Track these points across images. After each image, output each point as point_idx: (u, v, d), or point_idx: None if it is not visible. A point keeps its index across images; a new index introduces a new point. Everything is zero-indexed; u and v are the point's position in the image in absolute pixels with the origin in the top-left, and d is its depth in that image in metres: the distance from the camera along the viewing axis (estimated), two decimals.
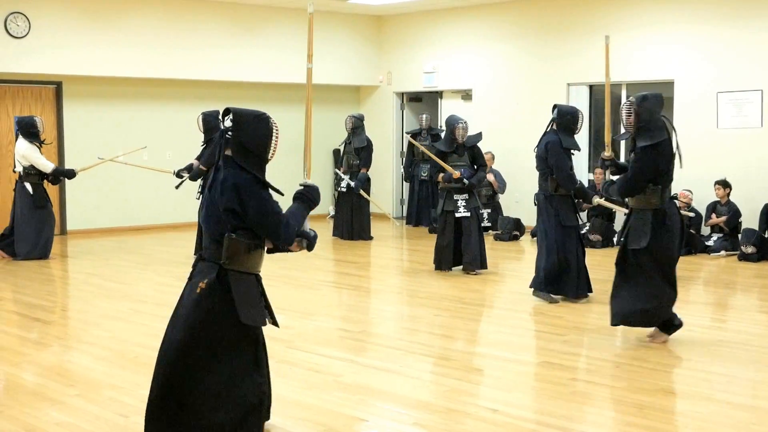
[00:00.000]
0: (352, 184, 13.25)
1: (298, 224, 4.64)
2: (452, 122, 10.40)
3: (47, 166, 11.61)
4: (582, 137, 14.18)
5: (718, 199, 12.08)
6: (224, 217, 4.47)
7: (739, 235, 11.70)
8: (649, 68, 13.30)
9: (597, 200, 9.00)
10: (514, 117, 14.84)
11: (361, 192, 13.29)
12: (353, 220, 13.53)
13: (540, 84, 14.54)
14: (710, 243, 12.00)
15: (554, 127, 8.76)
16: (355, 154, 13.52)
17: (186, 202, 14.16)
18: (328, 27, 16.23)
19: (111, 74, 14.10)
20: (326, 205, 16.69)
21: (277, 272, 10.70)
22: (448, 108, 16.46)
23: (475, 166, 10.43)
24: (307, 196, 4.74)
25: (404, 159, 16.14)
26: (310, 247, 4.75)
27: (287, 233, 4.55)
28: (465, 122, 10.47)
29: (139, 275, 10.50)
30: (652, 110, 6.85)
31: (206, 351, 4.50)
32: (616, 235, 7.83)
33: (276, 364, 6.55)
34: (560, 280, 8.78)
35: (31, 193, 11.53)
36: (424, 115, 15.70)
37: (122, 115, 14.72)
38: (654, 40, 13.23)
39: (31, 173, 11.55)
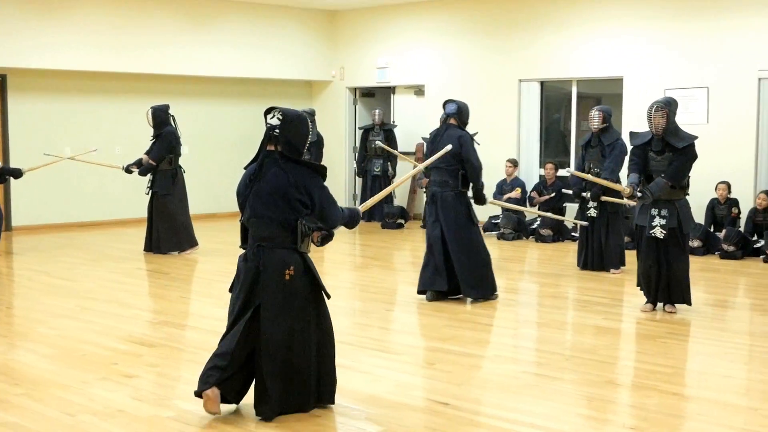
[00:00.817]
0: None
1: (346, 219, 5.32)
2: None
3: None
4: (533, 132, 14.33)
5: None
6: (295, 206, 4.99)
7: None
8: (600, 65, 13.42)
9: (491, 200, 8.91)
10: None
11: None
12: None
13: (492, 80, 14.61)
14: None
15: (452, 121, 8.47)
16: (306, 149, 13.46)
17: (133, 198, 14.05)
18: (280, 21, 16.15)
19: (59, 67, 13.85)
20: None
21: (227, 268, 10.63)
22: (400, 103, 16.49)
23: None
24: (354, 219, 5.45)
25: (357, 154, 16.12)
26: (323, 242, 5.17)
27: (339, 218, 5.23)
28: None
29: (87, 272, 10.36)
30: (675, 112, 7.82)
31: (306, 328, 5.09)
32: (641, 223, 7.92)
33: None
34: (479, 278, 8.45)
35: None
36: (377, 111, 15.70)
37: (70, 110, 14.49)
38: (604, 36, 13.35)
39: None
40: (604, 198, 9.82)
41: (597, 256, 10.25)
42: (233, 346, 5.04)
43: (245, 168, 5.23)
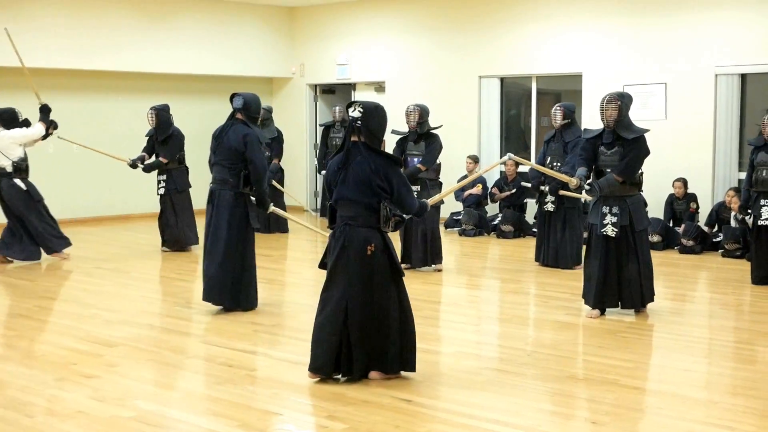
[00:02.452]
0: None
1: (418, 206, 5.87)
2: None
3: (37, 128, 10.67)
4: (493, 128, 14.37)
5: None
6: (376, 191, 5.57)
7: None
8: (559, 61, 13.50)
9: (272, 208, 8.15)
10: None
11: (274, 183, 13.19)
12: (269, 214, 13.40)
13: (452, 76, 14.64)
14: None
15: (239, 116, 7.84)
16: (266, 145, 13.41)
17: (90, 197, 13.90)
18: (239, 18, 16.06)
19: (12, 65, 13.60)
20: None
21: (188, 266, 10.57)
22: (361, 100, 16.43)
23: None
24: (423, 210, 5.97)
25: (317, 151, 16.06)
26: (396, 227, 5.76)
27: (415, 205, 5.78)
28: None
29: (47, 272, 10.23)
30: (629, 106, 7.74)
31: (386, 298, 5.66)
32: (593, 221, 7.68)
33: (188, 359, 6.49)
34: (238, 289, 7.84)
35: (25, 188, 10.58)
36: (338, 107, 15.62)
37: (26, 107, 14.23)
38: (563, 33, 13.43)
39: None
40: (562, 192, 9.85)
41: (553, 252, 10.30)
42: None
43: (332, 158, 5.84)
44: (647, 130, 7.79)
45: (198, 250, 11.17)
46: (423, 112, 9.96)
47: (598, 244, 7.71)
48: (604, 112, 7.68)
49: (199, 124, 15.68)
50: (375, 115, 5.70)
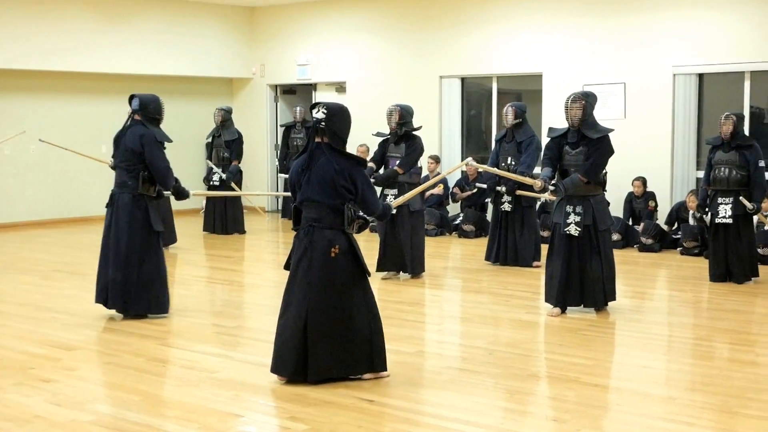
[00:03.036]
0: (224, 176, 13.08)
1: (382, 208, 5.89)
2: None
3: None
4: (454, 128, 14.40)
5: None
6: (341, 192, 5.56)
7: None
8: (519, 61, 13.56)
9: (201, 192, 7.97)
10: None
11: (233, 185, 13.13)
12: (227, 214, 13.36)
13: (413, 76, 14.65)
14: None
15: (137, 117, 7.71)
16: (226, 146, 13.37)
17: (58, 199, 13.73)
18: (199, 18, 15.95)
19: None
20: (199, 199, 16.40)
21: None
22: (322, 100, 16.39)
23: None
24: (386, 212, 5.99)
25: (278, 152, 16.01)
26: (359, 230, 5.77)
27: (379, 207, 5.82)
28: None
29: (3, 275, 10.05)
30: (594, 105, 7.78)
31: (349, 301, 5.65)
32: (557, 220, 7.65)
33: (147, 362, 6.42)
34: (145, 294, 7.66)
35: None
36: (298, 108, 15.60)
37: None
38: (524, 33, 13.49)
39: None
40: (519, 192, 9.88)
41: (512, 251, 10.33)
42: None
43: (295, 158, 5.85)
44: (611, 130, 7.84)
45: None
46: (404, 113, 9.50)
47: (561, 244, 7.72)
48: (569, 112, 7.70)
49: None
50: (339, 116, 5.68)
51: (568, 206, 7.68)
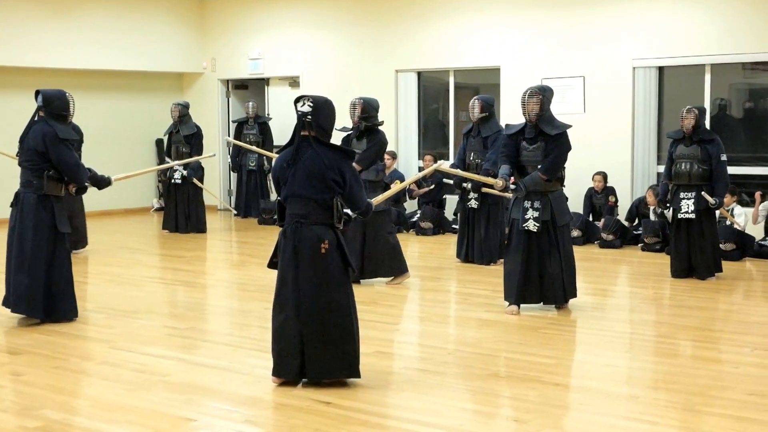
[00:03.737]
0: (185, 173, 12.80)
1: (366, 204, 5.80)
2: None
3: None
4: (411, 124, 14.30)
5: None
6: (330, 186, 5.46)
7: None
8: (476, 55, 13.48)
9: (121, 176, 7.84)
10: (344, 104, 14.70)
11: (195, 181, 12.87)
12: (189, 212, 13.03)
13: (368, 70, 14.51)
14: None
15: (41, 114, 7.39)
16: (185, 141, 13.08)
17: None
18: (147, 11, 15.62)
19: None
20: (149, 198, 16.14)
21: (98, 269, 10.24)
22: (275, 95, 16.22)
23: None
24: (369, 210, 5.88)
25: (231, 149, 15.77)
26: (345, 225, 5.64)
27: (365, 202, 5.73)
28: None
29: None
30: (551, 100, 7.74)
31: (344, 297, 5.61)
32: (515, 216, 7.65)
33: (97, 366, 6.23)
34: (51, 298, 7.35)
35: None
36: (251, 103, 15.40)
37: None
38: (481, 26, 13.41)
39: None
40: (485, 189, 9.78)
41: (478, 248, 10.25)
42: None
43: (278, 153, 5.72)
44: (569, 126, 7.78)
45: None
46: (367, 106, 9.15)
47: (519, 240, 7.63)
48: (526, 107, 7.63)
49: (107, 123, 15.26)
50: (325, 109, 5.58)
51: (527, 202, 7.62)
